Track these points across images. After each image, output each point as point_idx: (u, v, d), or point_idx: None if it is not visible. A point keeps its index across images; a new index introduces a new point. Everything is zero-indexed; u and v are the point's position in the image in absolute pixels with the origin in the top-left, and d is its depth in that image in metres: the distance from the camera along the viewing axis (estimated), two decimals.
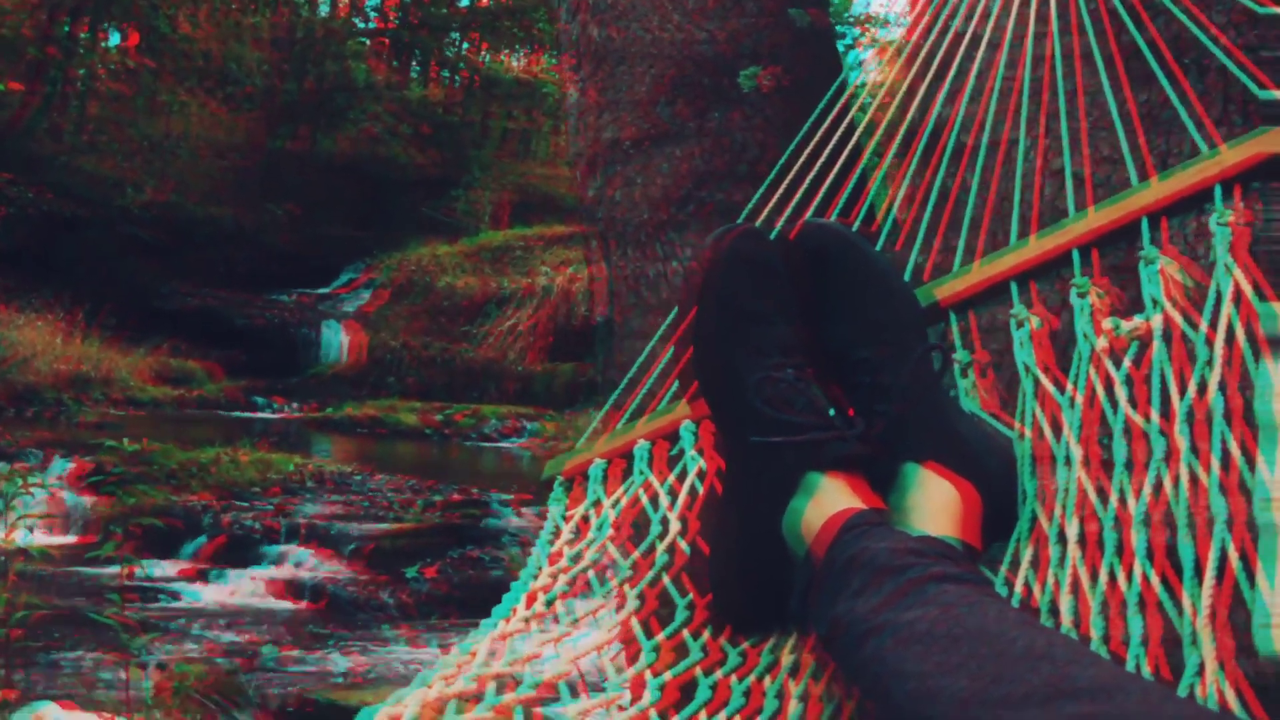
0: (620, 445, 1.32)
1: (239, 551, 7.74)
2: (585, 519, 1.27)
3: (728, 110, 2.24)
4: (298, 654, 6.03)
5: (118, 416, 12.78)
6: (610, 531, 1.23)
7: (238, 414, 14.48)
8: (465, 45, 26.14)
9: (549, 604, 1.11)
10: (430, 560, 7.54)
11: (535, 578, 1.16)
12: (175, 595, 7.04)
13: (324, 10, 24.42)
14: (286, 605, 7.08)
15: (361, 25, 25.53)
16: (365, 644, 6.33)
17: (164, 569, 7.39)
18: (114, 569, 5.92)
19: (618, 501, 1.26)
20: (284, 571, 7.55)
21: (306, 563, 7.66)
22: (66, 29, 19.36)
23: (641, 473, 1.27)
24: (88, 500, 8.24)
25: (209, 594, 7.17)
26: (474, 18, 25.40)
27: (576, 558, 1.20)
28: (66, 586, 6.68)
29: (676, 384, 1.29)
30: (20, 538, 4.05)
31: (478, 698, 0.91)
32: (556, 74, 24.47)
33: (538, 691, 0.95)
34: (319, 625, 6.64)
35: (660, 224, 2.24)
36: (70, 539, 7.81)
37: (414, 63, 26.27)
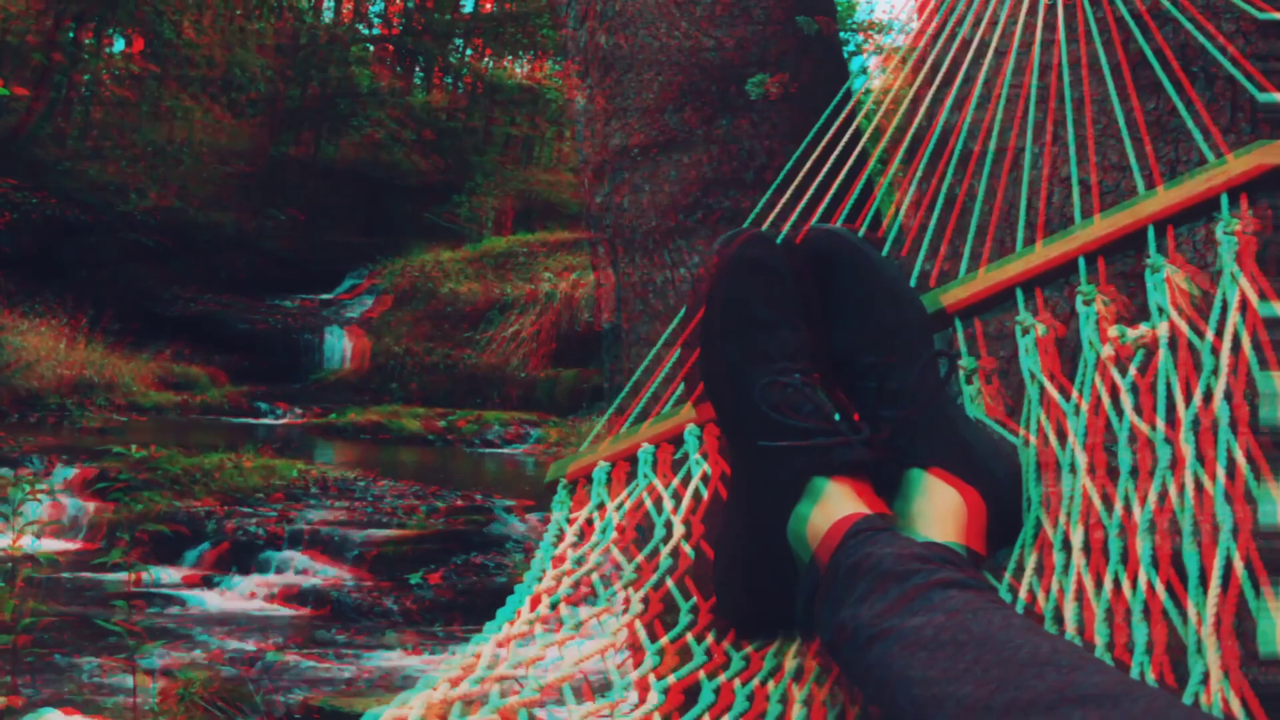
0: (624, 449, 1.32)
1: (243, 557, 7.74)
2: (589, 522, 1.27)
3: (735, 117, 2.24)
4: (302, 660, 6.03)
5: (121, 422, 12.79)
6: (614, 535, 1.23)
7: (241, 420, 14.49)
8: (469, 51, 26.17)
9: (553, 607, 1.12)
10: (434, 566, 7.53)
11: (539, 581, 1.16)
12: (179, 601, 7.03)
13: (328, 16, 24.46)
14: (290, 611, 7.08)
15: (365, 31, 25.57)
16: (369, 650, 6.32)
17: (168, 575, 7.39)
18: (119, 575, 5.91)
19: (621, 505, 1.27)
20: (287, 578, 7.55)
21: (310, 569, 7.65)
22: (71, 34, 19.41)
23: (645, 476, 1.28)
24: (91, 506, 8.24)
25: (213, 600, 7.17)
26: (477, 24, 25.43)
27: (580, 561, 1.20)
28: (71, 592, 6.68)
29: (681, 387, 1.29)
30: (26, 544, 4.05)
31: (482, 700, 0.92)
32: (560, 80, 24.50)
33: (542, 695, 0.95)
34: (323, 631, 6.64)
35: (668, 230, 2.24)
36: (74, 545, 7.81)
37: (417, 69, 26.30)
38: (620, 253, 2.33)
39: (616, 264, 2.35)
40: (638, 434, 1.32)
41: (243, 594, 7.29)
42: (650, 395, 1.37)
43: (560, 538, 1.25)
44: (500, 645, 1.03)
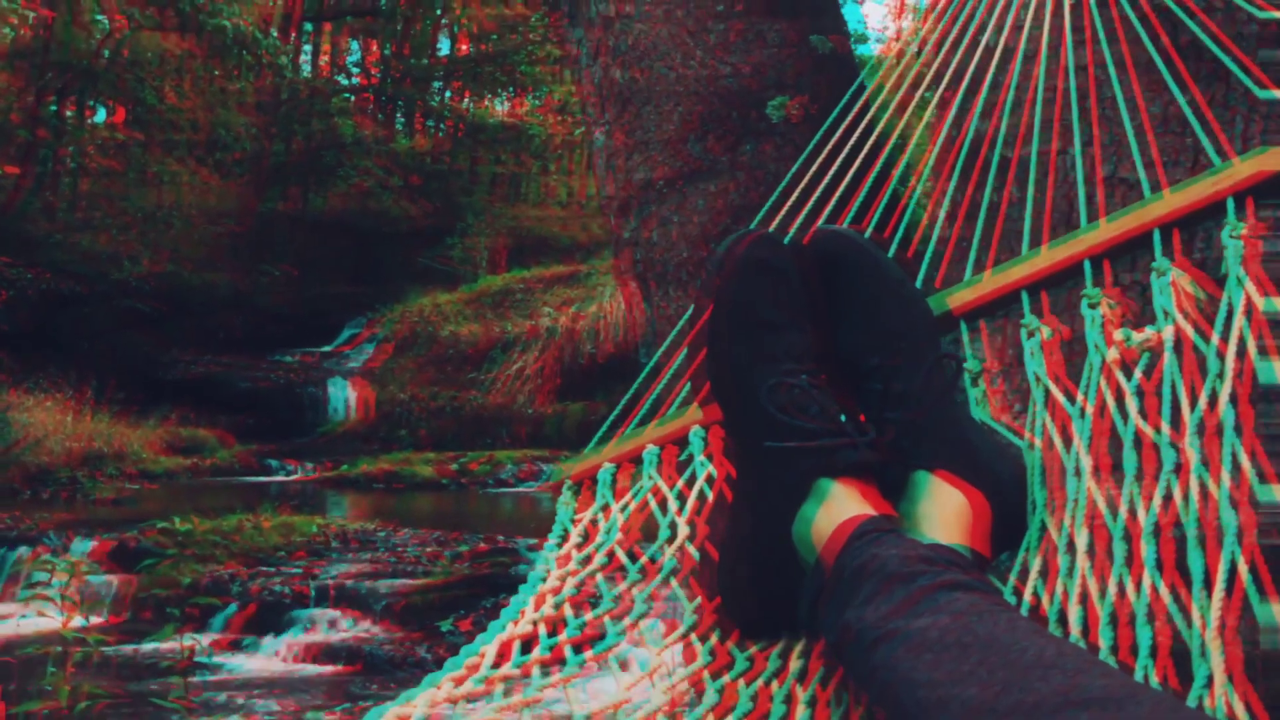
0: (629, 449, 1.32)
1: (271, 618, 7.70)
2: (594, 522, 1.27)
3: (759, 142, 2.24)
4: (340, 717, 5.99)
5: (133, 490, 12.77)
6: (619, 535, 1.23)
7: (252, 478, 14.48)
8: (449, 94, 26.31)
9: (557, 607, 1.12)
10: (464, 612, 7.51)
11: (543, 581, 1.17)
12: (213, 668, 6.99)
13: (305, 70, 24.59)
14: (325, 669, 7.04)
15: (344, 82, 25.72)
16: None
17: (199, 641, 7.34)
18: (150, 646, 5.88)
19: (626, 506, 1.27)
20: (317, 635, 7.51)
21: (339, 624, 7.62)
22: (54, 109, 19.49)
23: (650, 477, 1.27)
24: (115, 579, 8.20)
25: (246, 664, 7.13)
26: (455, 66, 25.59)
27: (585, 561, 1.20)
28: (110, 669, 6.64)
29: (687, 388, 1.29)
30: (75, 624, 4.02)
31: (486, 699, 0.92)
32: (541, 115, 24.63)
33: (545, 693, 0.96)
34: (359, 687, 6.60)
35: (700, 261, 2.23)
36: (103, 619, 7.77)
37: (399, 115, 26.43)
38: (653, 287, 2.32)
39: (650, 298, 2.34)
40: (643, 435, 1.32)
41: (274, 655, 7.25)
42: (656, 396, 1.37)
43: (565, 538, 1.26)
44: (505, 644, 1.04)
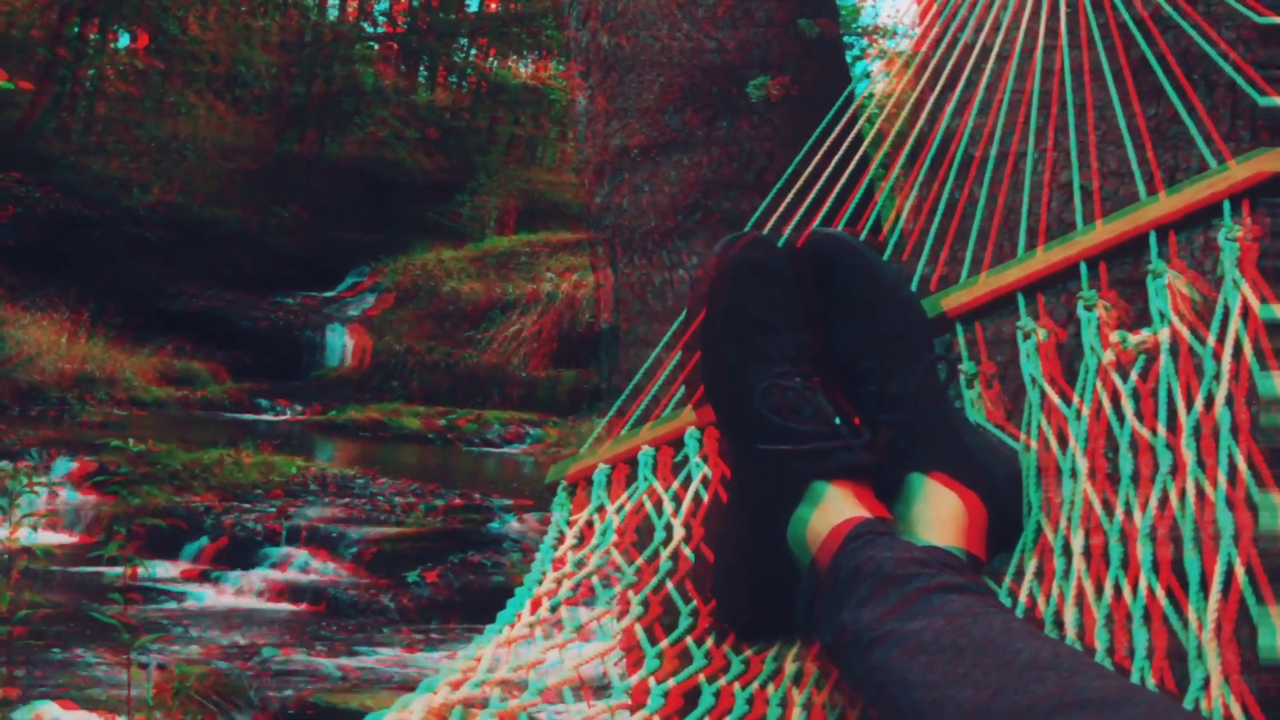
0: (624, 451, 1.32)
1: (240, 553, 7.74)
2: (589, 524, 1.26)
3: (736, 119, 2.24)
4: (298, 656, 6.03)
5: (121, 416, 12.79)
6: (614, 537, 1.22)
7: (241, 415, 14.49)
8: (473, 51, 26.17)
9: (553, 609, 1.11)
10: (431, 565, 7.54)
11: (539, 583, 1.16)
12: (177, 596, 7.04)
13: (332, 14, 24.47)
14: (287, 607, 7.08)
15: (370, 30, 25.57)
16: (365, 647, 6.32)
17: (166, 569, 7.39)
18: (117, 569, 5.91)
19: (621, 507, 1.26)
20: (285, 574, 7.56)
21: (308, 565, 7.66)
22: (76, 30, 19.41)
23: (645, 479, 1.27)
24: (90, 500, 8.25)
25: (210, 595, 7.17)
26: (482, 23, 25.43)
27: (580, 563, 1.19)
28: (69, 585, 6.68)
29: (681, 390, 1.28)
30: (24, 536, 4.05)
31: (483, 703, 0.92)
32: (564, 80, 24.50)
33: (542, 698, 0.95)
34: (319, 628, 6.64)
35: (667, 232, 2.24)
36: (73, 538, 7.82)
37: (421, 68, 26.30)
38: (619, 253, 2.34)
39: (615, 264, 2.35)
40: (638, 437, 1.31)
41: (240, 590, 7.29)
42: (650, 398, 1.36)
43: (560, 540, 1.25)
44: (501, 648, 1.03)
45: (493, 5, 25.77)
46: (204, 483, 8.72)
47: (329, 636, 6.48)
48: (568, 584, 1.15)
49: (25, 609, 3.42)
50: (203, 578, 7.44)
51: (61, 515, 7.75)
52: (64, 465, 9.00)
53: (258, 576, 7.45)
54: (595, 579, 1.17)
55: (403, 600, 7.03)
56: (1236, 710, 0.88)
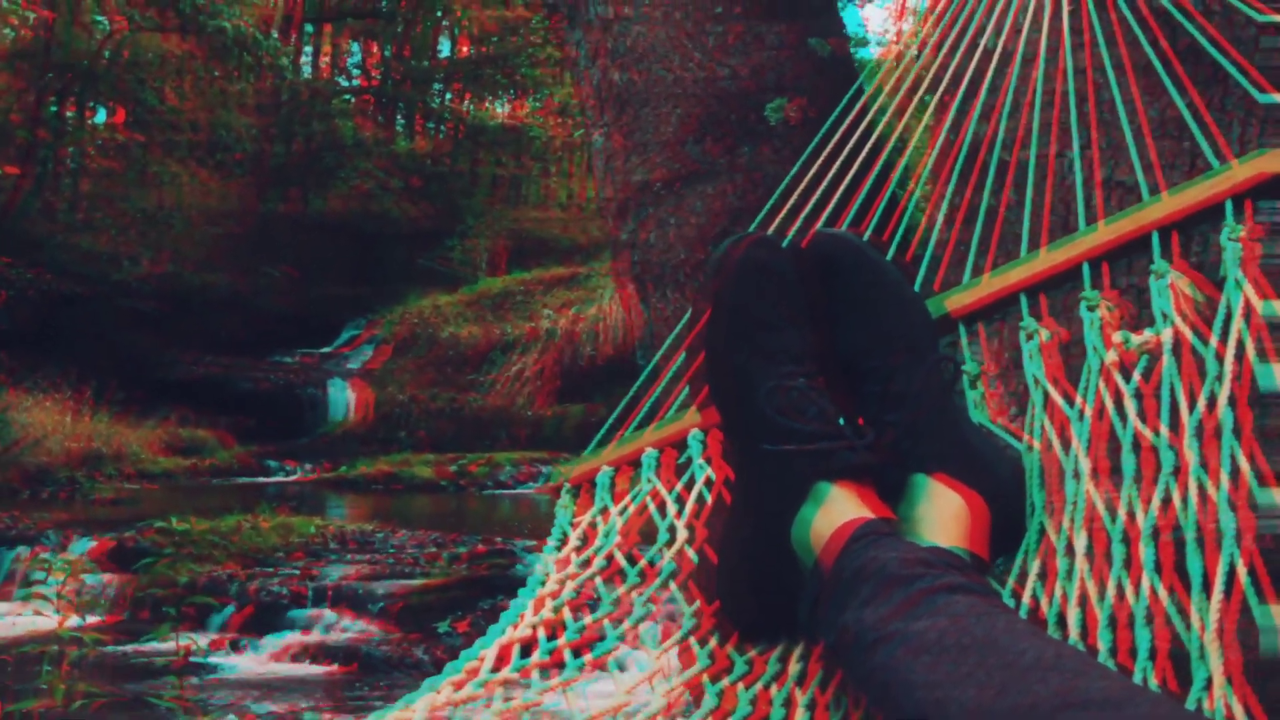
0: (628, 452, 1.31)
1: (268, 618, 7.70)
2: (593, 526, 1.26)
3: (757, 145, 2.23)
4: (338, 718, 5.99)
5: (132, 491, 12.77)
6: (617, 539, 1.22)
7: (251, 479, 14.48)
8: (449, 96, 26.32)
9: (556, 610, 1.11)
10: (461, 614, 7.50)
11: (543, 584, 1.16)
12: (210, 669, 6.99)
13: (306, 72, 24.60)
14: (320, 669, 7.04)
15: (345, 84, 25.73)
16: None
17: (195, 641, 7.34)
18: (148, 645, 5.88)
19: (625, 509, 1.26)
20: (315, 636, 7.52)
21: (337, 625, 7.62)
22: (54, 109, 19.49)
23: (649, 480, 1.26)
24: (114, 579, 8.20)
25: (243, 664, 7.13)
26: (455, 69, 25.60)
27: (584, 564, 1.19)
28: (106, 669, 6.63)
29: (685, 391, 1.29)
30: (71, 623, 4.02)
31: (486, 703, 0.92)
32: (541, 118, 24.64)
33: (544, 697, 0.96)
34: (356, 688, 6.60)
35: (698, 264, 2.23)
36: (99, 619, 7.77)
37: (399, 117, 26.45)
38: (650, 289, 2.33)
39: (647, 300, 2.34)
40: (641, 438, 1.31)
41: (272, 655, 7.25)
42: (654, 400, 1.36)
43: (564, 542, 1.25)
44: (504, 648, 1.03)
45: (465, 49, 25.92)
46: (224, 551, 8.68)
47: (366, 696, 6.44)
48: (571, 585, 1.16)
49: (81, 699, 3.39)
50: (232, 647, 7.40)
51: (88, 597, 7.70)
52: (82, 545, 8.96)
53: (288, 641, 7.41)
54: (599, 580, 1.17)
55: (436, 652, 6.99)
56: (1239, 711, 0.88)
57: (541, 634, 1.07)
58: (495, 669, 0.98)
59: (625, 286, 2.42)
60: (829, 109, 2.24)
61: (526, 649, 1.05)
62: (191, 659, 6.77)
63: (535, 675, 0.99)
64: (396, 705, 0.89)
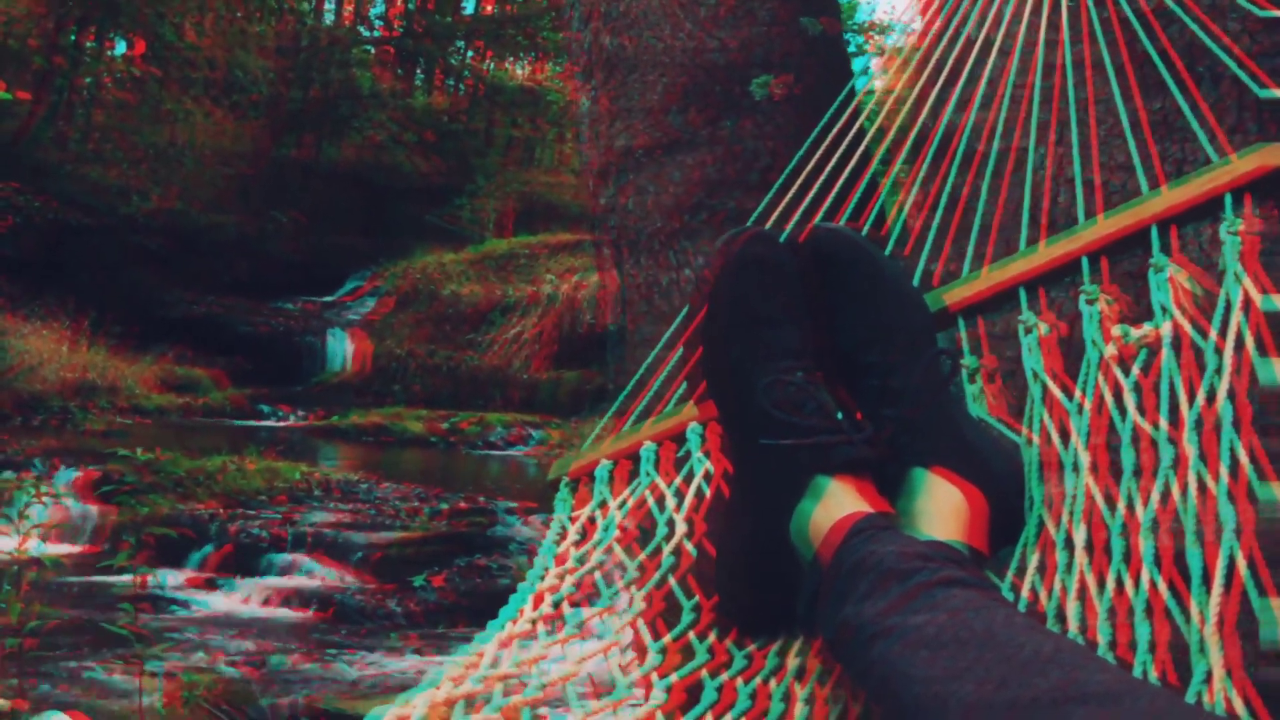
0: (627, 447, 1.32)
1: (246, 560, 7.73)
2: (591, 520, 1.27)
3: (739, 118, 2.24)
4: (306, 663, 6.03)
5: (124, 425, 12.79)
6: (616, 533, 1.22)
7: (243, 422, 14.49)
8: (470, 53, 26.19)
9: (555, 605, 1.11)
10: (437, 569, 7.53)
11: (542, 579, 1.16)
12: (183, 604, 7.03)
13: (329, 19, 24.48)
14: (294, 614, 7.07)
15: (366, 34, 25.59)
16: (373, 652, 6.32)
17: (172, 578, 7.38)
18: (124, 578, 5.91)
19: (624, 503, 1.26)
20: (291, 580, 7.55)
21: (314, 571, 7.65)
22: (73, 38, 19.42)
23: (648, 474, 1.27)
24: (94, 509, 8.24)
25: (217, 603, 7.16)
26: (478, 26, 25.45)
27: (583, 559, 1.20)
28: (76, 596, 6.68)
29: (684, 386, 1.29)
30: (32, 547, 4.05)
31: (485, 699, 0.92)
32: (561, 82, 24.51)
33: (544, 693, 0.95)
34: (327, 634, 6.63)
35: (673, 232, 2.24)
36: (78, 548, 7.81)
37: (418, 71, 26.31)
38: (625, 254, 2.33)
39: (621, 265, 2.35)
40: (640, 432, 1.32)
41: (246, 597, 7.28)
42: (653, 394, 1.36)
43: (563, 536, 1.25)
44: (503, 644, 1.03)
45: (489, 8, 25.79)
46: (208, 490, 8.71)
47: (337, 642, 6.47)
48: (570, 580, 1.16)
49: (35, 620, 3.41)
50: (209, 585, 7.43)
51: (67, 525, 7.74)
52: (68, 475, 8.99)
53: (264, 583, 7.45)
54: (598, 575, 1.17)
55: (410, 605, 7.03)
56: (1238, 704, 0.88)
57: (541, 629, 1.07)
58: (494, 664, 0.98)
59: (600, 250, 2.43)
60: (816, 88, 2.25)
61: (526, 644, 1.05)
62: (164, 593, 6.82)
63: (534, 671, 0.99)
64: (397, 701, 0.88)
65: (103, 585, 6.80)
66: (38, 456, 9.63)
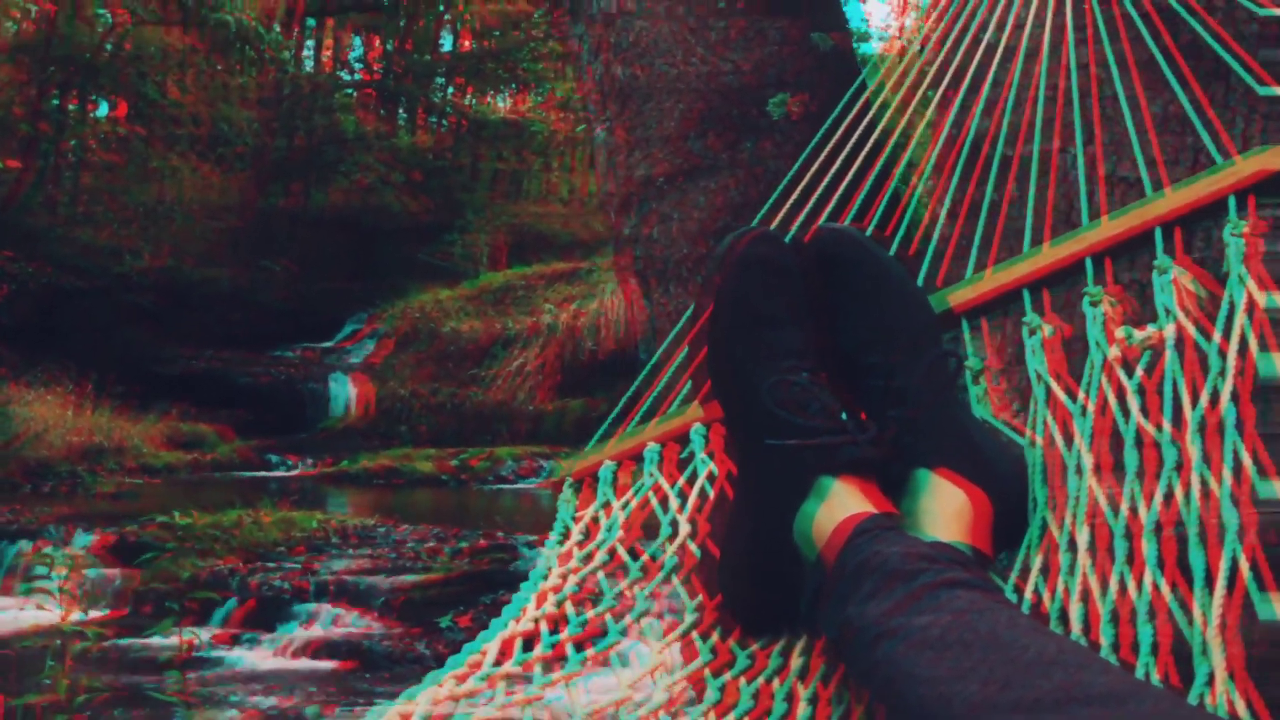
0: (630, 447, 1.32)
1: (270, 613, 7.69)
2: (595, 520, 1.27)
3: (759, 139, 2.24)
4: (340, 713, 5.99)
5: (134, 485, 12.76)
6: (620, 533, 1.23)
7: (252, 474, 14.47)
8: (451, 90, 26.29)
9: (559, 605, 1.12)
10: (463, 608, 7.50)
11: (545, 579, 1.17)
12: (213, 663, 6.99)
13: (308, 66, 24.58)
14: (323, 664, 7.04)
15: (347, 78, 25.71)
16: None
17: (198, 635, 7.34)
18: (152, 640, 5.87)
19: (627, 503, 1.26)
20: (317, 631, 7.51)
21: (339, 620, 7.62)
22: (56, 102, 19.48)
23: (651, 475, 1.27)
24: (117, 572, 8.19)
25: (245, 658, 7.13)
26: (458, 63, 25.58)
27: (586, 559, 1.20)
28: (110, 663, 6.63)
29: (688, 386, 1.29)
30: (70, 617, 4.02)
31: (488, 697, 0.92)
32: (544, 113, 24.62)
33: (547, 691, 0.96)
34: (358, 682, 6.60)
35: (700, 258, 2.23)
36: (103, 613, 7.77)
37: (401, 111, 26.40)
38: (653, 284, 2.33)
39: (650, 295, 2.34)
40: (644, 433, 1.31)
41: (274, 650, 7.24)
42: (657, 394, 1.36)
43: (566, 536, 1.25)
44: (507, 642, 1.04)
45: (467, 43, 25.90)
46: (225, 545, 8.67)
47: (369, 690, 6.44)
48: (573, 579, 1.16)
49: (84, 694, 3.38)
50: (234, 641, 7.39)
51: (90, 591, 7.70)
52: (84, 539, 8.95)
53: (290, 636, 7.41)
54: (601, 574, 1.18)
55: (438, 647, 6.99)
56: (1241, 705, 0.88)
57: (544, 628, 1.08)
58: (498, 663, 0.99)
59: (628, 282, 2.42)
60: (831, 104, 2.24)
61: (529, 643, 1.05)
62: (197, 654, 6.78)
63: (538, 669, 0.99)
64: (400, 699, 0.90)
65: (131, 648, 6.77)
66: (51, 523, 9.58)
